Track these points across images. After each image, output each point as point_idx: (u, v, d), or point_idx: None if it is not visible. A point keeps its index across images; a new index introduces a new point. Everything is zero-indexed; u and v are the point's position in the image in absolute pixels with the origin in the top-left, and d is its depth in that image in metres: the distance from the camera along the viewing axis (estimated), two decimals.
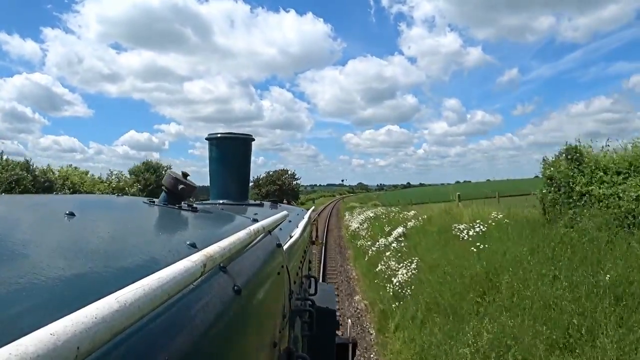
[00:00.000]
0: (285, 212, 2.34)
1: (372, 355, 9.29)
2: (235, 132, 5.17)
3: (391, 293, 11.29)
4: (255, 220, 1.91)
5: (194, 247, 1.13)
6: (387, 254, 14.98)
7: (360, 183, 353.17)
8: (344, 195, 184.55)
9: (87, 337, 0.51)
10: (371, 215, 29.66)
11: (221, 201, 4.75)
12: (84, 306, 0.55)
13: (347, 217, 39.96)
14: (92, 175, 32.96)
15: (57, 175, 27.83)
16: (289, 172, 74.06)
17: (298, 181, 72.13)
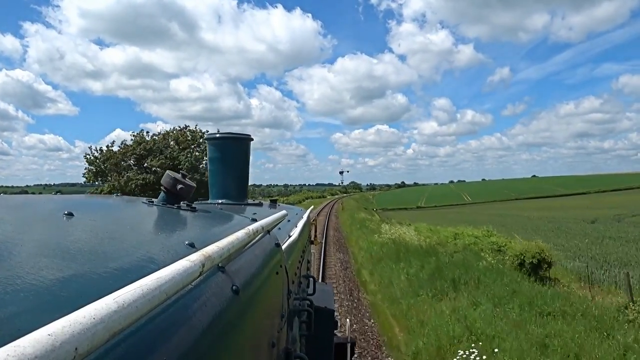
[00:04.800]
0: (284, 212, 2.35)
1: None
2: (235, 132, 5.18)
3: None
4: (254, 220, 1.91)
5: (193, 247, 1.13)
6: None
7: (353, 182, 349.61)
8: (338, 196, 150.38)
9: (85, 337, 0.50)
10: None
11: (220, 201, 4.75)
12: (82, 306, 0.55)
13: None
14: None
15: None
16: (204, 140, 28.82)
17: None
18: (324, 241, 23.79)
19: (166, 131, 32.75)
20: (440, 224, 33.41)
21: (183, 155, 29.85)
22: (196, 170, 28.67)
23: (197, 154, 30.68)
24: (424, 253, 18.32)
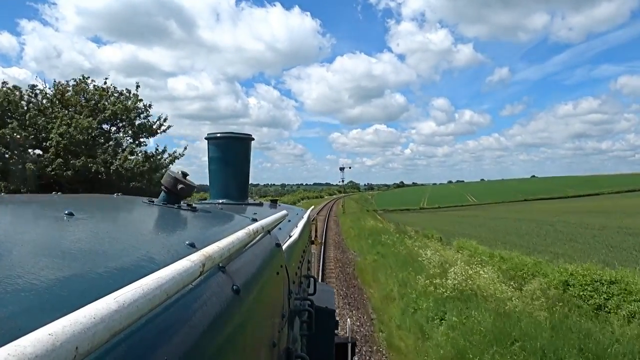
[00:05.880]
0: (284, 212, 2.34)
1: None
2: (235, 132, 5.19)
3: None
4: (255, 220, 1.91)
5: (193, 247, 1.13)
6: None
7: (351, 181, 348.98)
8: (336, 196, 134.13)
9: (86, 337, 0.50)
10: None
11: (220, 200, 4.76)
12: (82, 306, 0.55)
13: None
14: None
15: None
16: (129, 105, 17.86)
17: (164, 155, 18.67)
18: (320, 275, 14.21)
19: (55, 85, 17.88)
20: (470, 234, 25.60)
21: (55, 123, 15.87)
22: (86, 152, 16.05)
23: (91, 122, 16.27)
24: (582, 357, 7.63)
